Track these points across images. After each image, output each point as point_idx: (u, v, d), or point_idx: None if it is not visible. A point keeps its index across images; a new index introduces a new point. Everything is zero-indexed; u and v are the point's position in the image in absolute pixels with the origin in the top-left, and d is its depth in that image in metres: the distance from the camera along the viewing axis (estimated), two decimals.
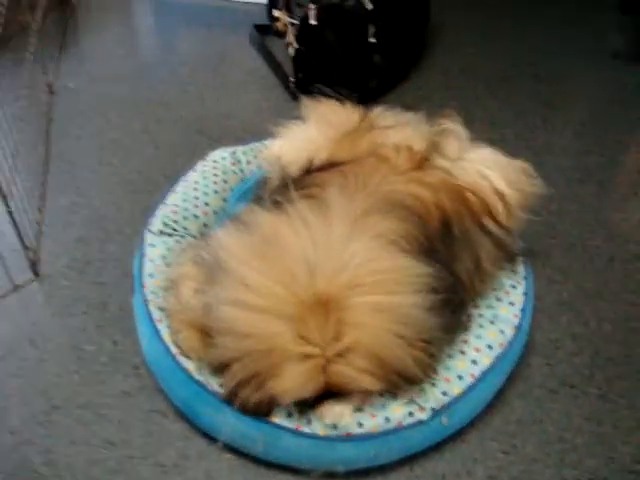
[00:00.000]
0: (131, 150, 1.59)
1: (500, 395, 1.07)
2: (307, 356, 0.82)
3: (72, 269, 1.27)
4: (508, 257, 1.11)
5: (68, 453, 0.99)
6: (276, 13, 1.91)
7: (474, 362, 0.99)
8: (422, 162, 1.04)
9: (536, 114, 1.81)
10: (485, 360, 1.00)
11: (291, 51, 1.76)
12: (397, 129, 1.13)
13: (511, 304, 1.09)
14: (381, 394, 0.92)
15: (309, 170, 1.05)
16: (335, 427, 0.90)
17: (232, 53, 2.05)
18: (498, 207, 1.04)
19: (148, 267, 1.07)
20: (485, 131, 1.67)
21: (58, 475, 0.96)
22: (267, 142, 1.38)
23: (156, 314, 1.01)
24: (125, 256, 1.29)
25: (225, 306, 0.85)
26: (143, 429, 1.02)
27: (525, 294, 1.11)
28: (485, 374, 0.99)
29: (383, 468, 0.98)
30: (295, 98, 1.79)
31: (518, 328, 1.06)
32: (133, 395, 1.07)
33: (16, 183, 1.26)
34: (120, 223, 1.38)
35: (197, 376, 0.93)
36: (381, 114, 1.20)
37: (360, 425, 0.90)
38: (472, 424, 1.04)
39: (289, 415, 0.91)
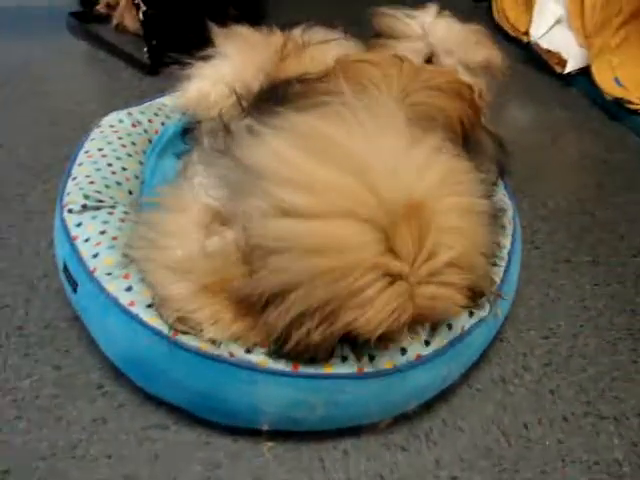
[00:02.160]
0: None
1: None
2: (397, 276, 0.62)
3: None
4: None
5: None
6: None
7: (498, 245, 0.89)
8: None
9: None
10: (505, 241, 0.91)
11: (140, 16, 1.53)
12: (334, 43, 1.00)
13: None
14: None
15: (271, 91, 0.87)
16: (404, 351, 0.74)
17: (53, 49, 1.74)
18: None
19: (86, 249, 0.81)
20: None
21: None
22: (161, 99, 1.17)
23: (124, 298, 0.75)
24: (21, 266, 1.00)
25: (274, 218, 0.62)
26: (145, 454, 0.76)
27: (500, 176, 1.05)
28: (510, 255, 0.90)
29: (444, 396, 0.84)
30: (151, 71, 1.57)
31: (512, 207, 1.00)
32: (111, 419, 0.80)
33: None
34: None
35: (216, 350, 0.71)
36: (303, 33, 1.07)
37: (426, 344, 0.75)
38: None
39: (344, 360, 0.72)
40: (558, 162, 1.36)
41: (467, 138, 0.89)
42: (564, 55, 1.58)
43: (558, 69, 1.61)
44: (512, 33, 1.78)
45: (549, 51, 1.62)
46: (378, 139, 0.66)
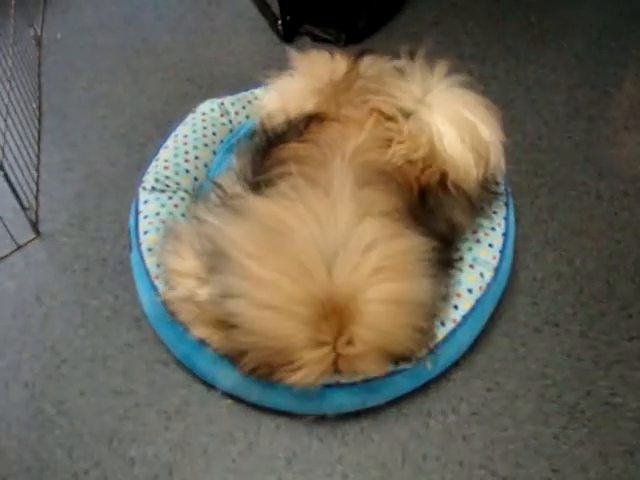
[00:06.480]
0: (122, 102, 1.59)
1: (485, 335, 1.12)
2: (322, 358, 0.84)
3: (71, 226, 1.31)
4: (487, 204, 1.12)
5: (79, 403, 1.06)
6: None
7: (455, 307, 1.02)
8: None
9: (528, 49, 1.76)
10: (466, 304, 1.03)
11: None
12: (380, 79, 1.12)
13: (490, 246, 1.10)
14: None
15: (290, 122, 1.06)
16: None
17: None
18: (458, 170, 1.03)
19: (143, 224, 1.11)
20: (476, 68, 1.67)
21: (71, 423, 1.04)
22: (256, 91, 1.38)
23: (153, 271, 1.05)
24: (122, 211, 1.32)
25: (232, 299, 0.83)
26: (146, 378, 1.09)
27: (504, 235, 1.12)
28: (466, 318, 1.02)
29: (374, 410, 1.04)
30: (284, 40, 1.77)
31: (497, 270, 1.07)
32: (135, 346, 1.13)
33: (8, 143, 1.28)
34: (115, 178, 1.40)
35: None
36: (371, 64, 1.18)
37: None
38: (457, 364, 1.09)
39: None
40: (617, 219, 1.35)
41: (426, 198, 1.00)
42: None
43: None
44: None
45: None
46: (325, 230, 0.84)
